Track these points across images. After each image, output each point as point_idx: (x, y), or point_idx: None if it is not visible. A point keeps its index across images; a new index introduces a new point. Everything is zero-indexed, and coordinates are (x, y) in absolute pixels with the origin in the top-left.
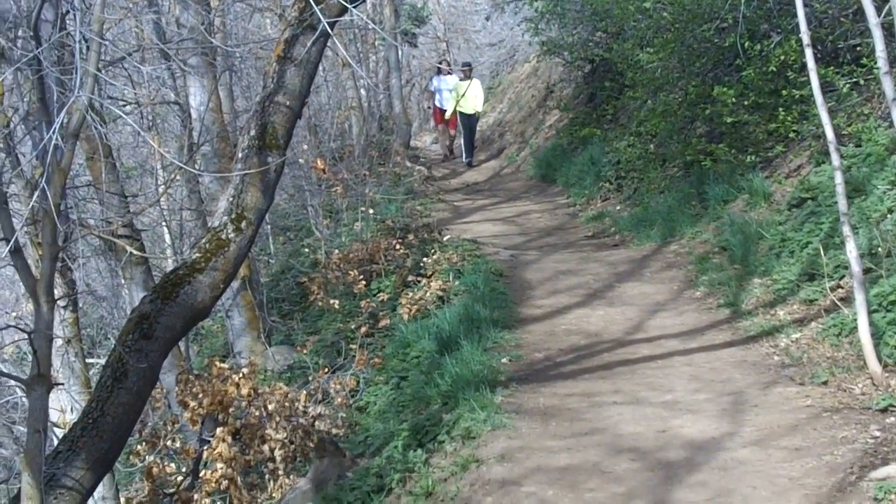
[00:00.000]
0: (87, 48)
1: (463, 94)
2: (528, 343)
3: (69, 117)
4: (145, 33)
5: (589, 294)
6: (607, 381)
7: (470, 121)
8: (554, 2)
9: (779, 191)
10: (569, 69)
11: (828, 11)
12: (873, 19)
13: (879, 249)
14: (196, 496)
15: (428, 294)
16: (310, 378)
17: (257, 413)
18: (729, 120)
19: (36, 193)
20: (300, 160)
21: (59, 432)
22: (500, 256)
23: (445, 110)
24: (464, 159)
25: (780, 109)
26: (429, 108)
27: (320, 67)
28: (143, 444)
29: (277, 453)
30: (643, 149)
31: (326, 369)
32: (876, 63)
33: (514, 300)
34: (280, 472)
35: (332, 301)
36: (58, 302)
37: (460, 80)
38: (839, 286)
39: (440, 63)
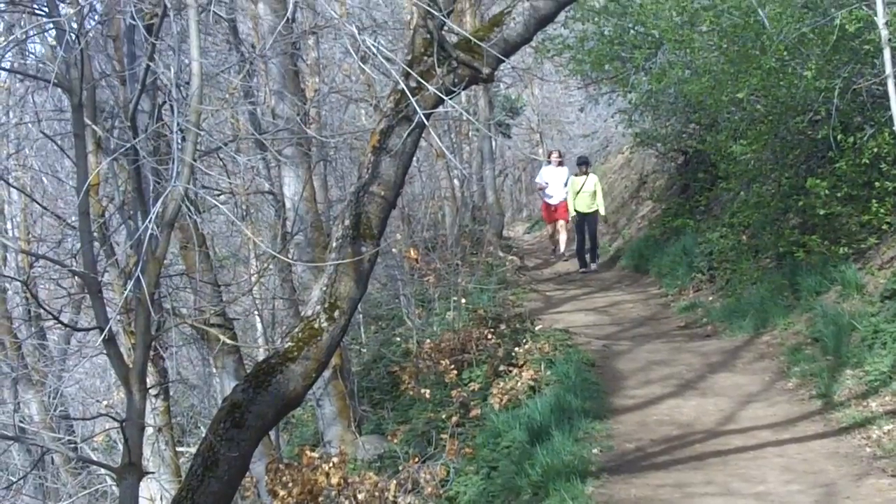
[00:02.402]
0: (184, 138)
1: (578, 192)
2: (619, 433)
3: (165, 207)
4: (241, 123)
5: (681, 384)
6: (699, 472)
7: (587, 221)
8: (648, 94)
9: (871, 282)
10: (662, 160)
11: None
12: None
13: None
14: None
15: (519, 384)
16: (400, 467)
17: (347, 502)
18: (822, 212)
19: (130, 282)
20: (393, 250)
21: None
22: (592, 346)
23: (554, 206)
24: (580, 267)
25: (874, 201)
26: (541, 196)
27: (414, 158)
28: None
29: None
30: (736, 240)
31: (417, 458)
32: None
33: (605, 390)
34: None
35: (423, 390)
36: (150, 390)
37: (575, 175)
38: None
39: (550, 154)
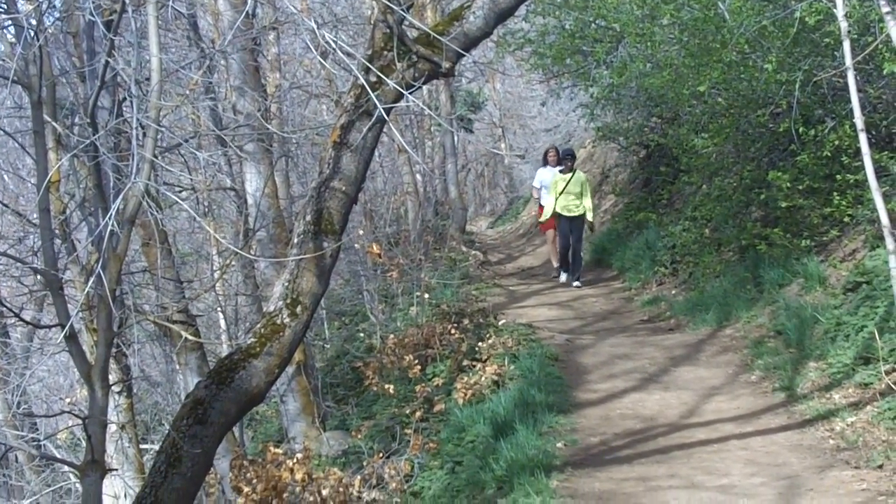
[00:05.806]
0: (144, 135)
1: (562, 192)
2: (583, 427)
3: (125, 203)
4: (202, 120)
5: (644, 378)
6: (663, 466)
7: (572, 226)
8: (609, 88)
9: (834, 275)
10: (624, 154)
11: (882, 97)
12: None
13: None
14: None
15: (483, 378)
16: (364, 463)
17: (311, 498)
18: (784, 204)
19: (91, 279)
20: (356, 245)
21: None
22: (555, 341)
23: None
24: (561, 277)
25: (835, 194)
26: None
27: (376, 153)
28: None
29: None
30: (698, 233)
31: (381, 454)
32: None
33: (569, 384)
34: None
35: (386, 386)
36: (112, 387)
37: (560, 172)
38: (894, 369)
39: (548, 153)
